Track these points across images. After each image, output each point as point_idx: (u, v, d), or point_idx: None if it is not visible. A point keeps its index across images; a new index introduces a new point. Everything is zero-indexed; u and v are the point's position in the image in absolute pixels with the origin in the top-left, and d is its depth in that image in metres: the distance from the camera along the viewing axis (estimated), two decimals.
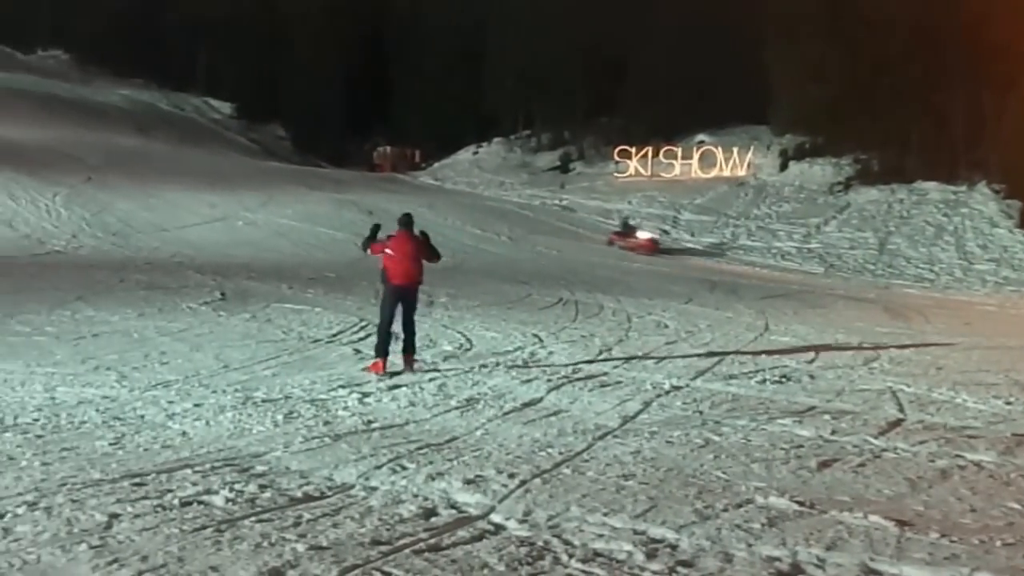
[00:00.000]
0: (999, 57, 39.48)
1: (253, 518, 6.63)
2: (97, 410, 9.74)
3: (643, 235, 42.15)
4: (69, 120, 56.17)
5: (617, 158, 55.16)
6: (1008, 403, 11.81)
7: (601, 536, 6.60)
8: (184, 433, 8.99)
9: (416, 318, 13.20)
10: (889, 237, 41.23)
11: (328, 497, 7.20)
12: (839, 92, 46.53)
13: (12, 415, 9.39)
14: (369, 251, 13.46)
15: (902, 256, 39.24)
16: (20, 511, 6.57)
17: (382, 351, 12.68)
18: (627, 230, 43.09)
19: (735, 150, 52.93)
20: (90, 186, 41.16)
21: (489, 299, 21.86)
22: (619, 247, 40.91)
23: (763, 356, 15.11)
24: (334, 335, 15.54)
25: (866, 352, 16.04)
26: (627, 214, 47.64)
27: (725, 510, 7.27)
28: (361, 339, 15.08)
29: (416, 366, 12.87)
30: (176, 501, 6.91)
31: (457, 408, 10.49)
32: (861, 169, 48.24)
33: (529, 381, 12.15)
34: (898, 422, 10.56)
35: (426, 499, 7.24)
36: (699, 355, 14.96)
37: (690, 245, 43.62)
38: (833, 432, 9.90)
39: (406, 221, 13.35)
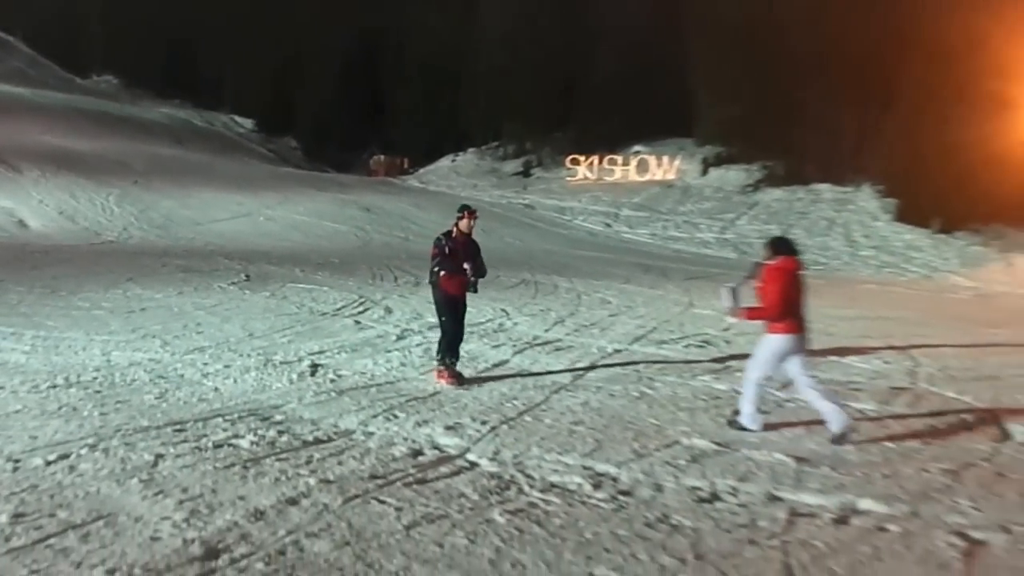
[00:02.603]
0: (880, 83, 39.92)
1: (273, 457, 6.66)
2: (145, 370, 9.71)
3: None
4: (119, 134, 55.38)
5: (569, 165, 55.01)
6: (886, 363, 11.94)
7: (556, 471, 6.66)
8: (216, 389, 8.97)
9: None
10: (790, 229, 41.35)
11: (334, 440, 7.22)
12: (750, 111, 46.55)
13: (76, 374, 9.35)
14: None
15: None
16: (83, 452, 6.59)
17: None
18: None
19: (665, 158, 52.88)
20: (137, 188, 40.65)
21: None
22: None
23: (687, 326, 15.20)
24: (338, 309, 15.50)
25: None
26: None
27: (657, 450, 7.35)
28: (360, 313, 15.05)
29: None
30: (210, 444, 6.93)
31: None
32: (768, 174, 48.25)
33: (498, 346, 12.19)
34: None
35: (414, 442, 7.28)
36: (635, 325, 15.03)
37: None
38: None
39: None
